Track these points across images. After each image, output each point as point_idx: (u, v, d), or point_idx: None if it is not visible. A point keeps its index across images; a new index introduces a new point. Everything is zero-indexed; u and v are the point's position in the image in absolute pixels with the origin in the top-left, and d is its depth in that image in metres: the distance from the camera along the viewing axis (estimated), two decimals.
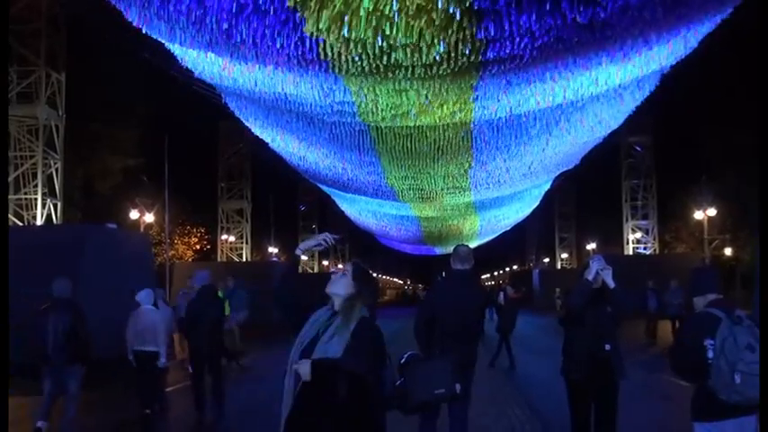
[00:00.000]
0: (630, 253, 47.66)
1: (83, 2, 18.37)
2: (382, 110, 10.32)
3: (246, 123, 13.67)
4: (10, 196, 25.61)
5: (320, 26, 7.08)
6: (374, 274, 4.57)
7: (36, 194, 26.63)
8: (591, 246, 60.19)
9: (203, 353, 11.01)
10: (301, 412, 3.88)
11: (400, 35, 7.18)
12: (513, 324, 17.76)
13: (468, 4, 6.77)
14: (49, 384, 9.48)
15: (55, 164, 27.49)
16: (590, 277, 6.28)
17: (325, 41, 7.50)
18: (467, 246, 7.76)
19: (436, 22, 7.01)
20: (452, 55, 7.88)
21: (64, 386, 9.46)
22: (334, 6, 6.79)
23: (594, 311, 6.32)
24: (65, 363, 9.32)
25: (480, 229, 27.40)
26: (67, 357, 9.30)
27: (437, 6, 6.76)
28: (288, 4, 6.89)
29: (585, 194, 62.78)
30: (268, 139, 14.47)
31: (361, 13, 6.80)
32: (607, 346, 6.34)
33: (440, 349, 6.87)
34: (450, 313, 7.06)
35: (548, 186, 22.26)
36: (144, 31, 8.64)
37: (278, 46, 7.64)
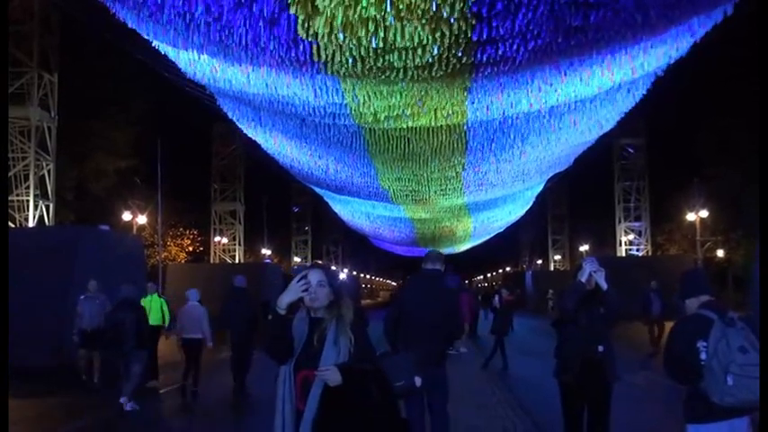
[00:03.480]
0: (623, 254, 47.74)
1: (75, 3, 18.31)
2: (375, 111, 10.32)
3: (239, 125, 13.66)
4: None
5: (314, 29, 7.08)
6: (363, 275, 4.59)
7: (28, 196, 26.55)
8: (584, 247, 60.29)
9: (240, 341, 13.41)
10: (331, 418, 3.89)
11: (394, 37, 7.19)
12: (508, 326, 17.74)
13: (461, 7, 6.77)
14: (121, 367, 11.81)
15: (47, 165, 27.41)
16: (583, 279, 6.29)
17: (318, 43, 7.50)
18: (438, 251, 7.86)
19: (430, 25, 7.01)
20: (446, 57, 7.89)
21: (130, 368, 11.66)
22: (329, 10, 6.79)
23: (588, 313, 6.32)
24: (132, 349, 11.58)
25: (473, 231, 27.41)
26: (134, 345, 11.58)
27: (431, 9, 6.76)
28: (281, 5, 6.89)
29: (578, 196, 62.95)
30: (261, 141, 14.47)
31: (357, 17, 6.80)
32: (600, 348, 6.34)
33: (403, 345, 6.92)
34: (417, 312, 7.11)
35: (540, 188, 22.29)
36: (137, 33, 8.64)
37: (271, 48, 7.65)
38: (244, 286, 14.00)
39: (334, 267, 78.24)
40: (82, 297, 14.72)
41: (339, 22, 6.98)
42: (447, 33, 7.22)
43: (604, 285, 6.28)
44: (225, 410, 12.71)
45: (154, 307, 15.17)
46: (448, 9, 6.80)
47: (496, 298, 20.01)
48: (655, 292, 20.10)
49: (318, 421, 3.87)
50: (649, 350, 19.80)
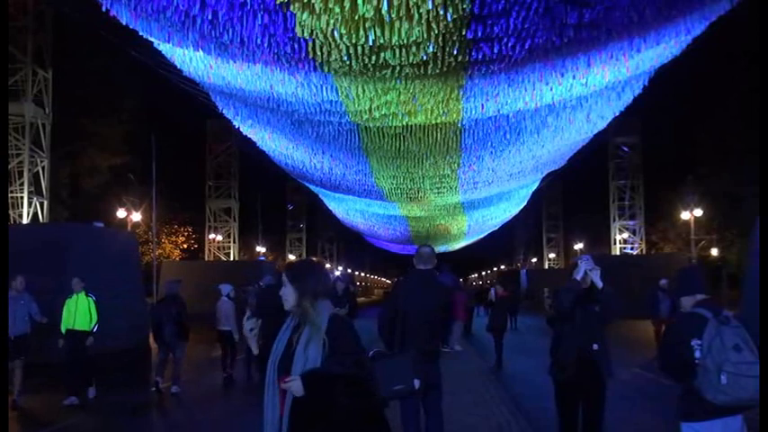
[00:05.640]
0: (618, 253, 47.82)
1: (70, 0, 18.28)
2: (371, 109, 10.32)
3: (234, 122, 13.64)
4: None
5: (311, 27, 7.07)
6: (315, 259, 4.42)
7: (22, 193, 26.52)
8: (578, 246, 60.41)
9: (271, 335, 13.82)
10: (298, 426, 3.80)
11: (389, 35, 7.18)
12: (504, 323, 17.69)
13: (457, 5, 6.77)
14: (162, 353, 13.45)
15: (41, 162, 27.37)
16: (578, 277, 6.28)
17: (314, 41, 7.49)
18: (430, 246, 7.79)
19: (426, 23, 7.01)
20: (441, 55, 7.89)
21: (172, 354, 13.33)
22: (326, 8, 6.78)
23: (583, 311, 6.32)
24: (174, 338, 13.12)
25: (468, 229, 27.46)
26: (177, 334, 13.14)
27: (427, 7, 6.76)
28: (277, 3, 6.88)
29: (573, 195, 63.12)
30: (256, 138, 14.45)
31: (352, 15, 6.79)
32: (595, 346, 6.34)
33: (400, 346, 6.92)
34: (413, 311, 7.10)
35: (535, 186, 22.33)
36: (131, 30, 8.62)
37: (266, 45, 7.64)
38: (273, 283, 14.65)
39: (328, 265, 78.22)
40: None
41: (335, 19, 6.97)
42: (442, 31, 7.22)
43: (600, 283, 6.27)
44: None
45: (80, 308, 12.52)
46: (443, 7, 6.80)
47: (493, 291, 19.90)
48: (663, 290, 19.24)
49: (289, 429, 3.80)
50: (654, 351, 19.42)
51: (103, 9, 8.06)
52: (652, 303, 18.80)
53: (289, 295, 3.99)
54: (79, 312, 12.45)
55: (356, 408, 3.85)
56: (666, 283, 18.98)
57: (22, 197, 26.52)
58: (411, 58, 7.89)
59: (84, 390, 12.38)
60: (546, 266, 70.17)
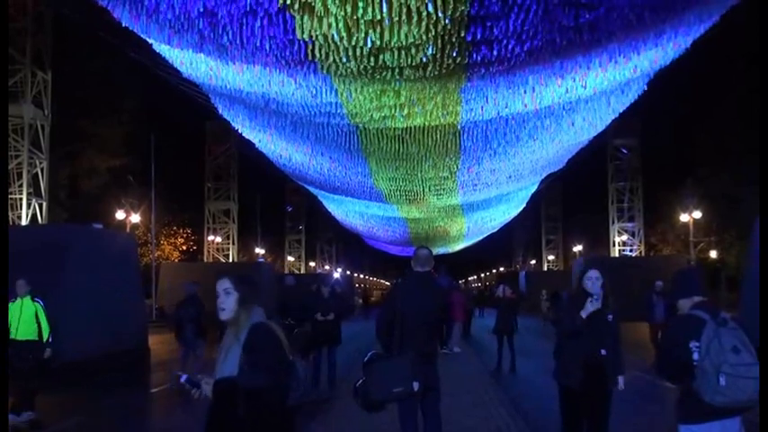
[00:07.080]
0: (617, 255, 47.81)
1: (69, 0, 18.28)
2: (370, 111, 10.33)
3: (234, 124, 13.65)
4: None
5: (311, 29, 7.08)
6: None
7: (21, 194, 26.47)
8: (577, 248, 60.37)
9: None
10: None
11: (389, 37, 7.19)
12: (512, 324, 17.51)
13: (456, 8, 6.78)
14: (183, 351, 14.22)
15: (40, 163, 27.34)
16: (584, 315, 6.17)
17: (314, 43, 7.50)
18: (427, 248, 7.77)
19: (425, 25, 7.02)
20: (440, 57, 7.90)
21: (192, 351, 14.05)
22: (325, 11, 6.79)
23: (590, 319, 6.21)
24: (194, 336, 13.94)
25: (467, 231, 27.46)
26: (196, 333, 13.94)
27: (426, 9, 6.77)
28: (277, 6, 6.89)
29: (572, 196, 63.17)
30: (255, 140, 14.46)
31: (353, 17, 6.81)
32: (603, 352, 6.24)
33: (399, 349, 6.90)
34: (411, 313, 7.09)
35: (534, 188, 22.33)
36: (131, 31, 8.63)
37: (266, 47, 7.65)
38: (295, 284, 16.51)
39: (328, 269, 78.14)
40: None
41: (335, 22, 6.99)
42: (441, 33, 7.23)
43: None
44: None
45: (25, 314, 10.80)
46: (442, 10, 6.81)
47: (501, 288, 19.58)
48: (658, 293, 18.69)
49: None
50: (652, 354, 19.18)
51: (108, 8, 8.07)
52: (647, 307, 18.49)
53: (230, 304, 3.96)
54: (23, 320, 10.75)
55: (254, 421, 3.84)
56: (661, 286, 18.62)
57: (21, 198, 26.48)
58: (410, 60, 7.91)
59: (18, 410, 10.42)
60: (545, 268, 70.16)
